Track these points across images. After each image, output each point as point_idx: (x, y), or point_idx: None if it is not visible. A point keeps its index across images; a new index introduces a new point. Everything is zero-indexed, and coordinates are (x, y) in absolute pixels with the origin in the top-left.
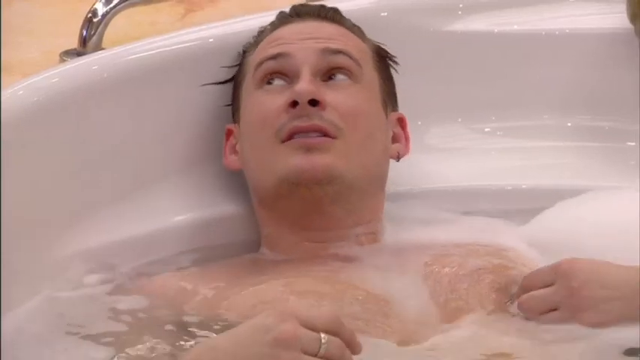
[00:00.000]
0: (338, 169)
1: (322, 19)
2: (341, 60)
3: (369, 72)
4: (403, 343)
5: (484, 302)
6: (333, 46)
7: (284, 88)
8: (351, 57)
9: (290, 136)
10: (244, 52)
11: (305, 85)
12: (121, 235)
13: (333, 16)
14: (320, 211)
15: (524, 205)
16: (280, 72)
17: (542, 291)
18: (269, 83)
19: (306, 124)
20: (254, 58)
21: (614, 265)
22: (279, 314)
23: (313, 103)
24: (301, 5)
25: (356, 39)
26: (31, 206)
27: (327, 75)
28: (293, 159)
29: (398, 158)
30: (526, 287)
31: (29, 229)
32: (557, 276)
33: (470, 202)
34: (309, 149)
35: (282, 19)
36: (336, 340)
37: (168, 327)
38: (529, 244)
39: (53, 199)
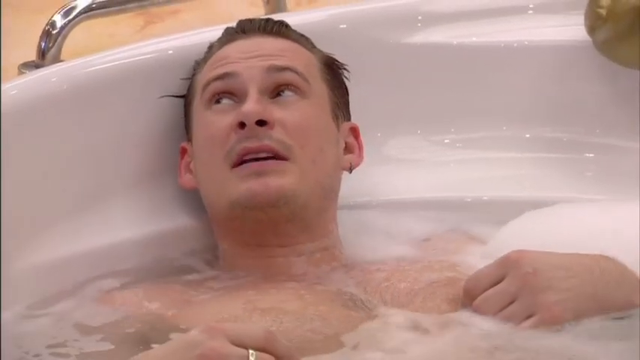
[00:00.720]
0: (291, 190)
1: (267, 34)
2: (287, 76)
3: (317, 85)
4: None
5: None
6: (278, 62)
7: (232, 108)
8: (297, 72)
9: (240, 159)
10: (194, 70)
11: (251, 106)
12: (78, 248)
13: (278, 29)
14: (274, 230)
15: (484, 217)
16: (228, 91)
17: (495, 288)
18: (217, 102)
19: (255, 145)
20: (201, 78)
21: (559, 253)
22: (209, 330)
23: (261, 123)
24: (248, 20)
25: (303, 52)
26: None
27: (275, 92)
28: (245, 183)
29: (350, 170)
30: (471, 290)
31: None
32: (507, 268)
33: (429, 213)
34: (260, 173)
35: (228, 37)
36: (266, 357)
37: (133, 344)
38: (492, 258)
39: (10, 212)
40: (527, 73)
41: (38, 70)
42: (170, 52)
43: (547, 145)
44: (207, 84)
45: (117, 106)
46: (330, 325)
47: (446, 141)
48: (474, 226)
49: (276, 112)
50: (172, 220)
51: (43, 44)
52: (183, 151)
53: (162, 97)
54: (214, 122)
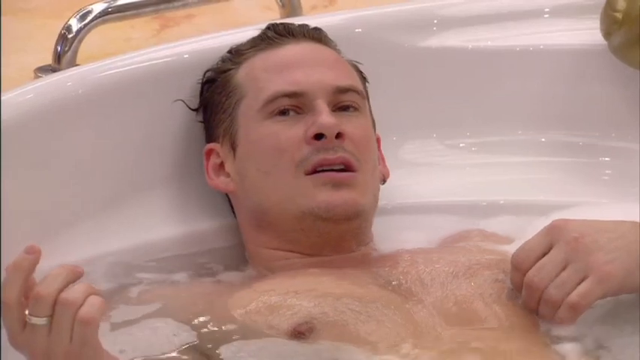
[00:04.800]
0: (361, 204)
1: (316, 41)
2: (351, 97)
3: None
4: (416, 345)
5: (485, 297)
6: (343, 84)
7: (298, 119)
8: (357, 92)
9: (315, 169)
10: (228, 68)
11: (329, 119)
12: (97, 250)
13: (323, 38)
14: (335, 244)
15: (500, 221)
16: (294, 105)
17: (545, 257)
18: (281, 114)
19: (333, 156)
20: (263, 87)
21: (600, 220)
22: None
23: (337, 135)
24: (289, 24)
25: (349, 67)
26: (8, 222)
27: (338, 106)
28: (322, 194)
29: (384, 181)
30: (520, 264)
31: (8, 245)
32: (553, 236)
33: (444, 217)
34: (337, 185)
35: (277, 39)
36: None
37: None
38: None
39: (28, 215)
40: (542, 77)
41: (54, 74)
42: (186, 56)
43: (563, 149)
44: (275, 98)
45: (132, 110)
46: (369, 307)
47: (461, 145)
48: (489, 230)
49: (344, 125)
50: (196, 220)
51: (59, 48)
52: (210, 153)
53: (176, 100)
54: (280, 132)
